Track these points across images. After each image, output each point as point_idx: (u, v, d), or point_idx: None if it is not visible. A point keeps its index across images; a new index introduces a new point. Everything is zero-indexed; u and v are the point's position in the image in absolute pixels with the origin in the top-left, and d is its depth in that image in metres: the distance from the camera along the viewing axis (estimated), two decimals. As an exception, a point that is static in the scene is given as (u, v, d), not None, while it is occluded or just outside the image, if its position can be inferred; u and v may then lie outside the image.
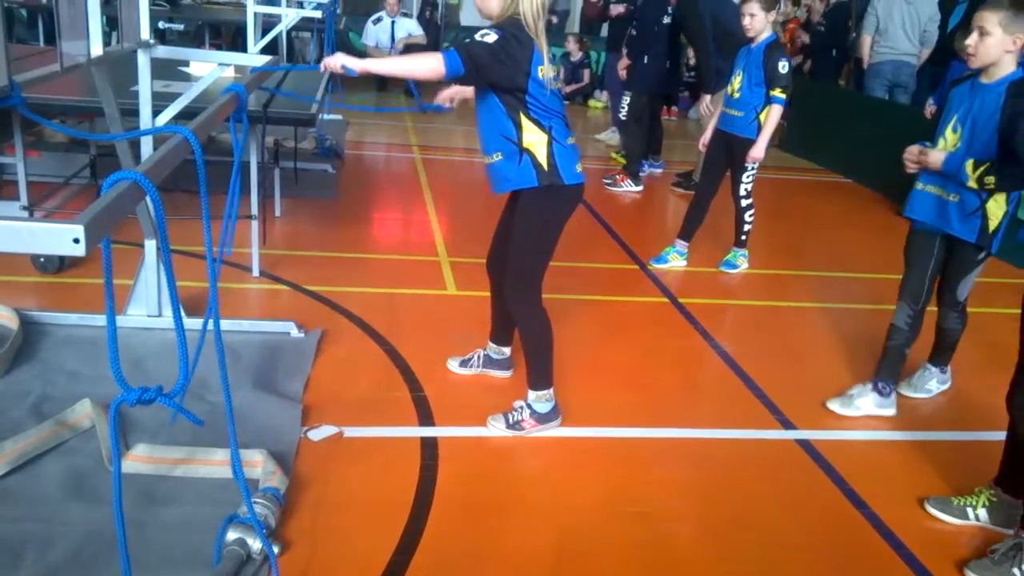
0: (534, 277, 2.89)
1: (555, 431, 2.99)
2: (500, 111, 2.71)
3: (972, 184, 2.87)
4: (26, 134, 4.02)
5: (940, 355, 3.46)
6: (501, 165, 2.78)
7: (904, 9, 7.36)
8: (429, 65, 2.56)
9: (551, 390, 2.96)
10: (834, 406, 3.29)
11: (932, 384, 3.49)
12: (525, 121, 2.70)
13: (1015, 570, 2.35)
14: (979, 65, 2.90)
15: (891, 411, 3.27)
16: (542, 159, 2.72)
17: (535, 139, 2.71)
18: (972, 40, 2.86)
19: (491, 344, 3.33)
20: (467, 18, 12.97)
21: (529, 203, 2.81)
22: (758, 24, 4.48)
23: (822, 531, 2.58)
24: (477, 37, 2.59)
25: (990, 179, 2.83)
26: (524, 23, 2.63)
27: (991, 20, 2.80)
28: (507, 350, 3.31)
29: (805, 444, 3.05)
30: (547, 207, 2.81)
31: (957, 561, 2.45)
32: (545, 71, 2.69)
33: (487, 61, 2.57)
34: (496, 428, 2.95)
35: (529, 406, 2.95)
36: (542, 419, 2.95)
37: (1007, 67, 2.87)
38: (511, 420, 2.95)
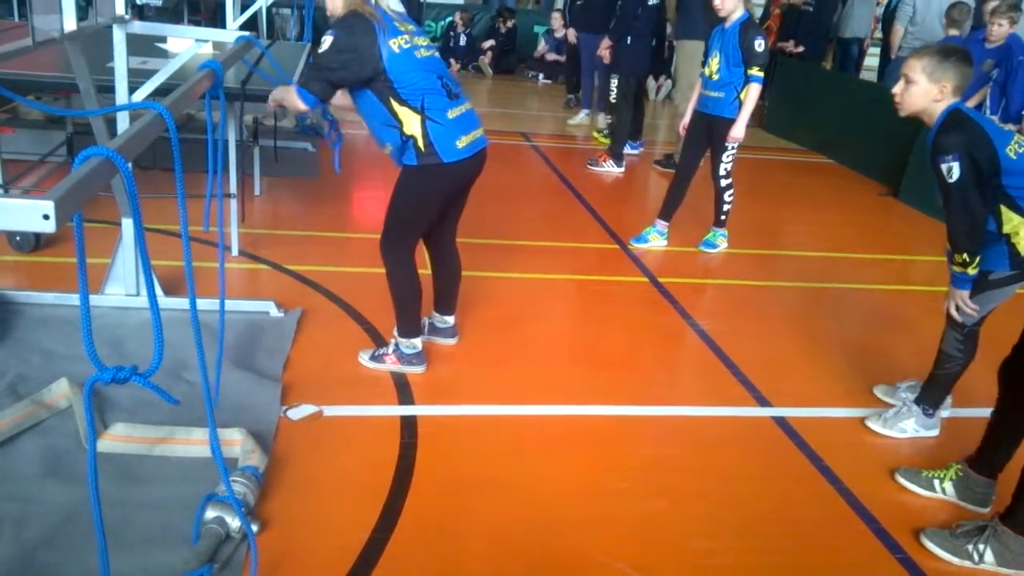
0: (403, 240, 3.02)
1: (535, 409, 3.02)
2: (374, 99, 2.78)
3: (958, 270, 2.70)
4: (0, 110, 3.97)
5: (929, 390, 3.05)
6: (394, 153, 2.88)
7: None
8: (294, 102, 2.80)
9: (418, 339, 3.12)
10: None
11: (908, 424, 3.06)
12: (397, 106, 2.76)
13: (969, 546, 2.38)
14: (905, 114, 2.76)
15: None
16: (421, 142, 2.79)
17: (412, 123, 2.78)
18: (898, 88, 2.74)
19: (435, 313, 3.37)
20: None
21: (407, 178, 2.90)
22: (729, 4, 4.48)
23: (797, 505, 2.62)
24: (320, 48, 2.72)
25: (957, 256, 2.68)
26: (357, 9, 2.70)
27: (915, 67, 2.66)
28: (450, 319, 3.36)
29: (780, 421, 3.09)
30: (422, 184, 2.90)
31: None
32: (402, 42, 2.74)
33: (332, 69, 2.71)
34: (363, 359, 3.15)
35: (396, 346, 3.13)
36: (404, 359, 3.13)
37: (934, 117, 2.70)
38: (376, 353, 3.15)
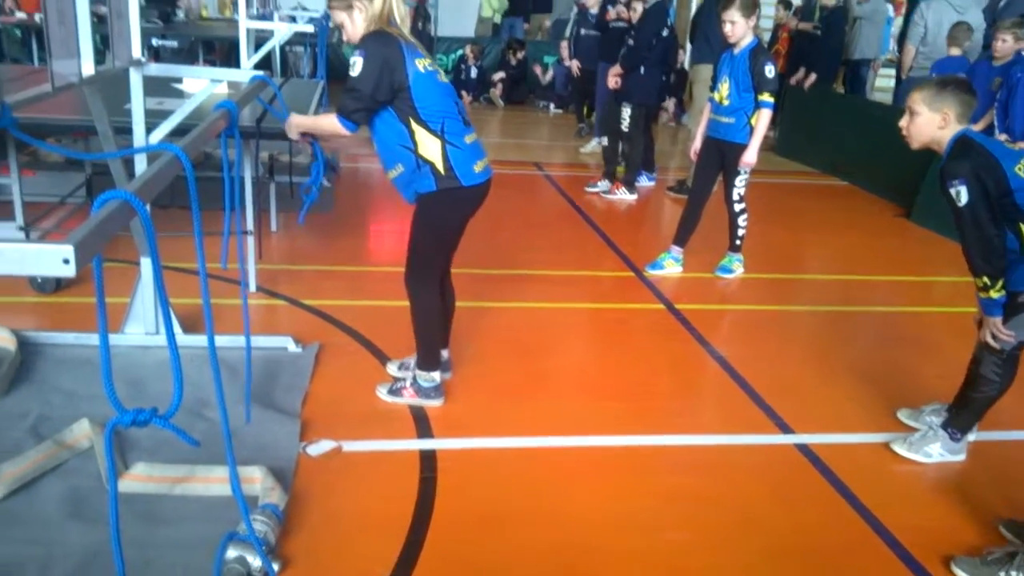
0: (430, 269, 3.02)
1: (554, 440, 3.00)
2: (393, 117, 2.79)
3: (983, 296, 2.70)
4: (21, 154, 4.03)
5: (960, 414, 2.98)
6: (404, 176, 2.87)
7: (954, 19, 7.12)
8: (335, 128, 2.81)
9: (436, 372, 3.12)
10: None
11: (934, 449, 3.00)
12: (416, 127, 2.77)
13: (1001, 573, 2.33)
14: (916, 146, 2.82)
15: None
16: (440, 166, 2.80)
17: (430, 146, 2.79)
18: (904, 121, 2.81)
19: None
20: (443, 29, 13.03)
21: (427, 205, 2.90)
22: (739, 31, 4.50)
23: (822, 533, 2.58)
24: (351, 71, 2.72)
25: (977, 281, 2.70)
26: (383, 28, 2.75)
27: (916, 99, 2.74)
28: (444, 352, 3.31)
29: (803, 448, 3.05)
30: (444, 209, 2.91)
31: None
32: (427, 63, 2.78)
33: (370, 89, 2.70)
34: (381, 393, 3.16)
35: (415, 379, 3.13)
36: (422, 392, 3.12)
37: (943, 146, 2.75)
38: (394, 387, 3.16)
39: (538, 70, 11.84)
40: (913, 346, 4.13)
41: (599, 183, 6.91)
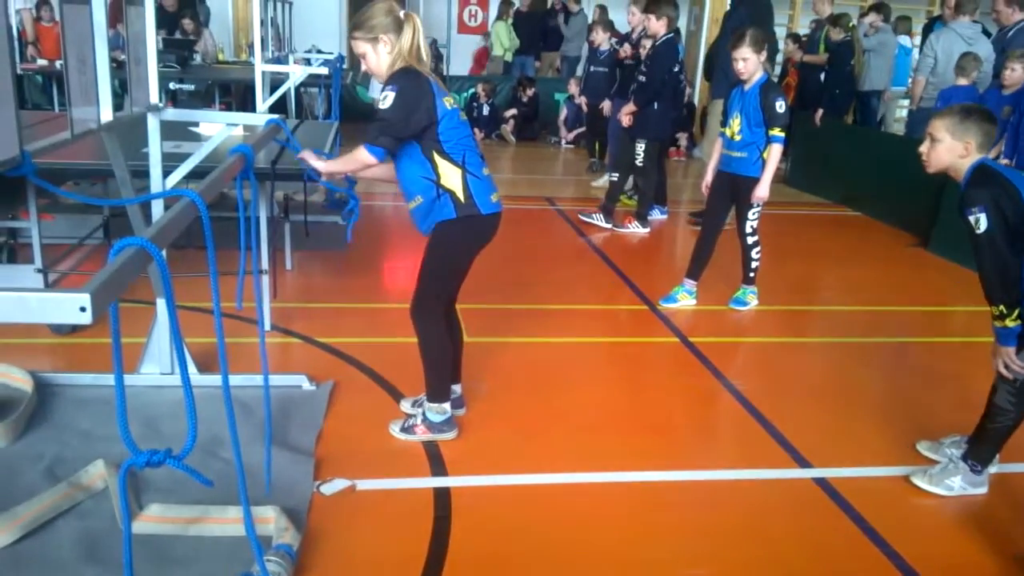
0: (439, 300, 3.05)
1: (570, 477, 2.98)
2: (417, 151, 2.83)
3: (999, 324, 2.69)
4: (40, 198, 4.09)
5: (978, 445, 2.95)
6: (423, 207, 2.90)
7: (963, 49, 7.10)
8: (364, 159, 2.81)
9: (447, 404, 3.12)
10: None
11: (955, 481, 2.97)
12: (439, 159, 2.83)
13: None
14: (933, 171, 2.85)
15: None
16: (460, 194, 2.85)
17: (452, 176, 2.84)
18: (924, 147, 2.83)
19: None
20: (455, 67, 13.24)
21: (443, 233, 2.92)
22: (751, 67, 4.54)
23: (841, 568, 2.54)
24: (380, 104, 2.76)
25: (994, 309, 2.70)
26: (412, 65, 2.79)
27: (939, 127, 2.77)
28: (457, 388, 3.31)
29: (822, 482, 3.02)
30: (460, 237, 2.94)
31: (982, 599, 2.40)
32: (452, 100, 2.85)
33: (400, 122, 2.75)
34: (394, 430, 3.16)
35: (424, 415, 3.12)
36: (434, 428, 3.12)
37: (961, 174, 2.78)
38: (406, 424, 3.16)
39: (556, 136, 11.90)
40: (931, 377, 4.10)
41: (594, 215, 6.96)
